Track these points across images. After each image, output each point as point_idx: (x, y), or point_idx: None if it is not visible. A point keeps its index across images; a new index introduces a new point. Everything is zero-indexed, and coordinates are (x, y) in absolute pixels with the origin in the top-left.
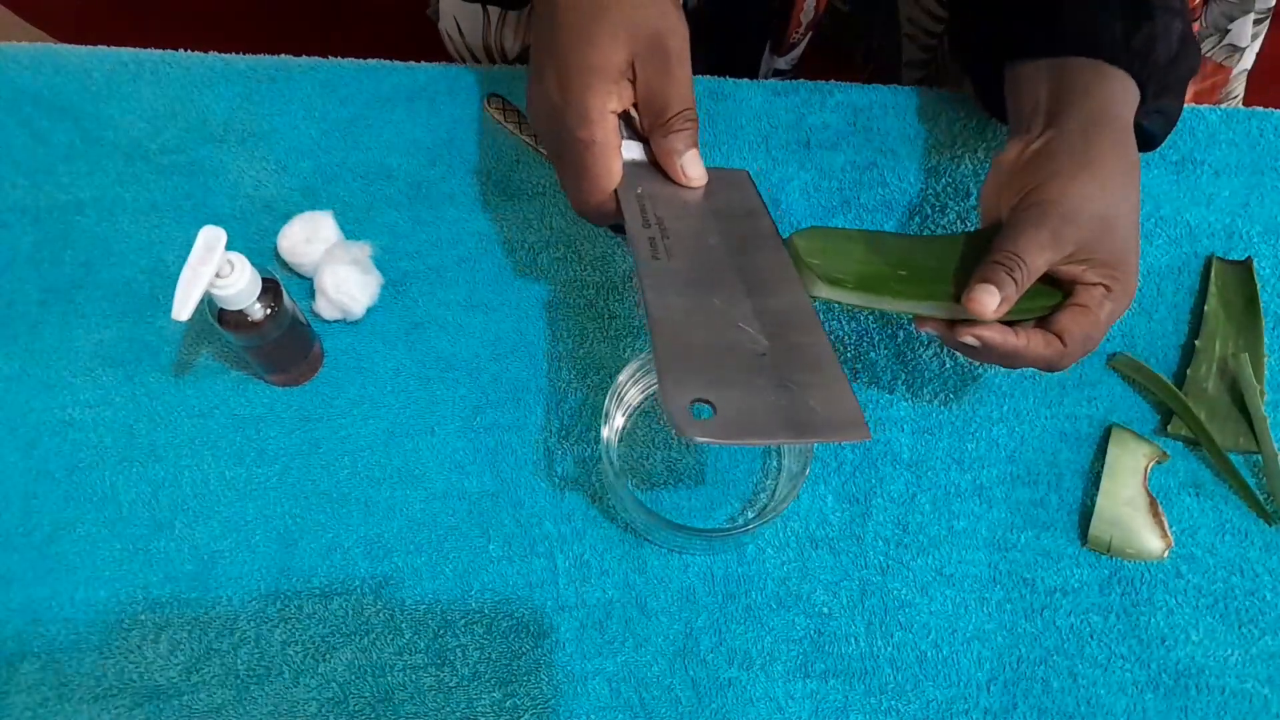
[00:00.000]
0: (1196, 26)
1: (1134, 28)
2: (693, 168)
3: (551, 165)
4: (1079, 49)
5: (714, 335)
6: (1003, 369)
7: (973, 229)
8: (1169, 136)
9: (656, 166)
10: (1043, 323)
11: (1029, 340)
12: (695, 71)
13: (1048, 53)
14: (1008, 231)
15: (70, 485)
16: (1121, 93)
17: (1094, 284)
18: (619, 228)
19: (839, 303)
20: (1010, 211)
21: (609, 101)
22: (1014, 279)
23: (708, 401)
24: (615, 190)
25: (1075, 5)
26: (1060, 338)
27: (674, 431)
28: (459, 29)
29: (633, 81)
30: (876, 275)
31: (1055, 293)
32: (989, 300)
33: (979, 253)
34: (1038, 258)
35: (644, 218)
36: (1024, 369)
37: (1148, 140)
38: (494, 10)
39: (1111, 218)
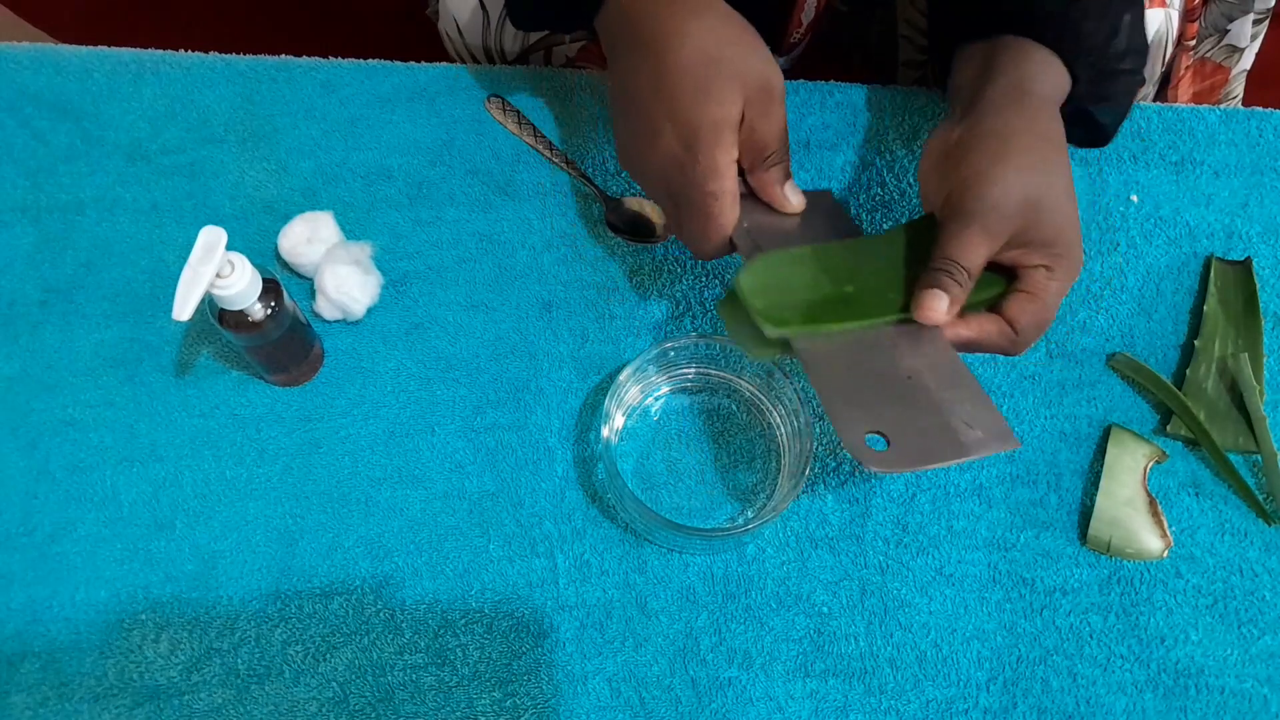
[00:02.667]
0: (1195, 27)
1: (1065, 5)
2: (794, 195)
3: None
4: (1009, 26)
5: (860, 363)
6: (1001, 370)
7: None
8: (1170, 139)
9: (753, 198)
10: (993, 309)
11: (982, 328)
12: None
13: (983, 33)
14: (942, 235)
15: (71, 485)
16: (1042, 70)
17: (1035, 266)
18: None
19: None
20: (942, 211)
21: (732, 152)
22: (957, 281)
23: (880, 433)
24: None
25: None
26: (1011, 325)
27: (862, 466)
28: (458, 29)
29: (741, 125)
30: (824, 301)
31: (1000, 280)
32: (938, 306)
33: (922, 246)
34: (974, 257)
35: (758, 252)
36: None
37: (1098, 131)
38: (494, 10)
39: (1038, 199)
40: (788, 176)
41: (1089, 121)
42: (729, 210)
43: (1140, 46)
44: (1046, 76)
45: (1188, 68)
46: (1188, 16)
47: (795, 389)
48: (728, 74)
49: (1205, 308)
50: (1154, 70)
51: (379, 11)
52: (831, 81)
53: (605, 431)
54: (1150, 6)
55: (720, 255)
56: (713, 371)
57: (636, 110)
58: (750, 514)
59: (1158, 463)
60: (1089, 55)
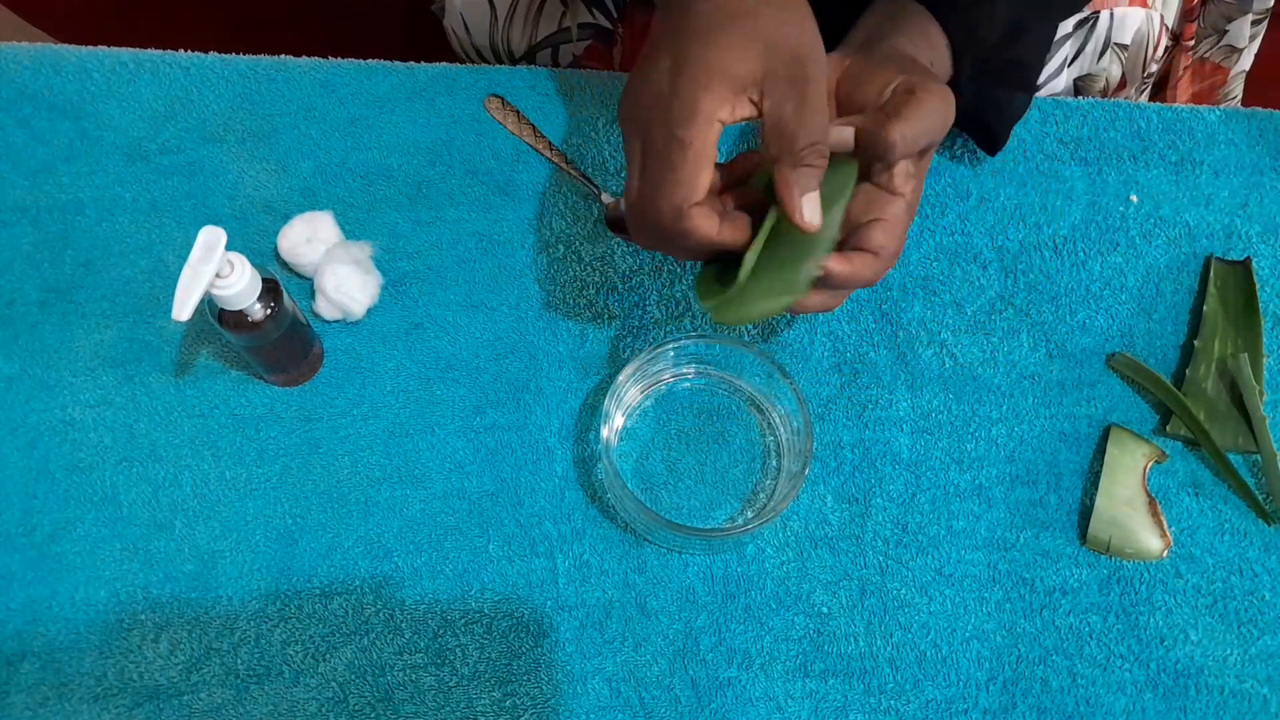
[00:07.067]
0: (1193, 27)
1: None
2: (810, 211)
3: (629, 163)
4: None
5: None
6: (1001, 370)
7: (974, 230)
8: (1170, 139)
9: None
10: (857, 242)
11: (853, 265)
12: None
13: None
14: (904, 112)
15: (70, 485)
16: (939, 42)
17: (898, 194)
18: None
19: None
20: (888, 101)
21: (720, 108)
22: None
23: None
24: (695, 220)
25: None
26: (876, 253)
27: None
28: (465, 26)
29: (756, 102)
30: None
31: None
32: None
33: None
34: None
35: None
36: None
37: (991, 138)
38: (502, 7)
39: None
40: (814, 188)
41: (981, 126)
42: (693, 172)
43: (1032, 62)
44: (937, 53)
45: (1186, 68)
46: (1186, 16)
47: (795, 389)
48: (747, 30)
49: (1205, 308)
50: (1135, 71)
51: (379, 11)
52: None
53: (605, 431)
54: (1130, 5)
55: (669, 238)
56: (713, 371)
57: (647, 52)
58: (750, 514)
59: (1157, 463)
60: (976, 43)
